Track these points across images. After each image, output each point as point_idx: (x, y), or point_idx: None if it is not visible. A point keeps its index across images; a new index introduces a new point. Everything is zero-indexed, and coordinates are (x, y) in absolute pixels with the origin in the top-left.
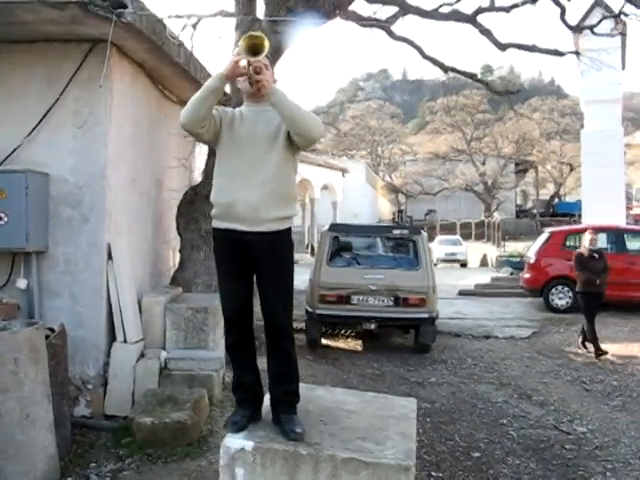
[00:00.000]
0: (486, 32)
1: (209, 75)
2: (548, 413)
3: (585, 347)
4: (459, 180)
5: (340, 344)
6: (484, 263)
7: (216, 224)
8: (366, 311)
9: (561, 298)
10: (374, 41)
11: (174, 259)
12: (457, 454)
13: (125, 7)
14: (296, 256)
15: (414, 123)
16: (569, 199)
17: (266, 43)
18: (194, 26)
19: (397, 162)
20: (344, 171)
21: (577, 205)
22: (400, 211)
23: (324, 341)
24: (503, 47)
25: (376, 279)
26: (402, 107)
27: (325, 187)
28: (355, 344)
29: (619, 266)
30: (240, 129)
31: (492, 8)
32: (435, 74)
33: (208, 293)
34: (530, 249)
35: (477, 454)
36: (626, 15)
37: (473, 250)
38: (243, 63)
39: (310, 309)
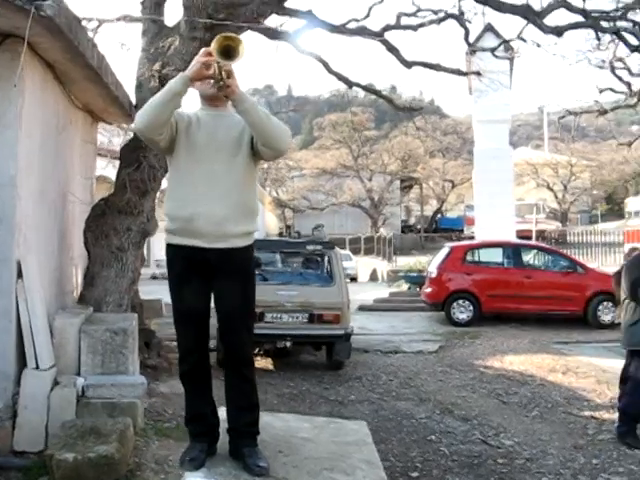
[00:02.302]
0: (393, 50)
1: (118, 81)
2: (473, 427)
3: None
4: (346, 196)
5: None
6: (374, 277)
7: (172, 240)
8: (280, 329)
9: (462, 312)
10: (261, 56)
11: (77, 277)
12: (396, 475)
13: None
14: None
15: (299, 139)
16: (450, 215)
17: (242, 47)
18: (94, 30)
19: (284, 177)
20: None
21: (458, 220)
22: (288, 226)
23: None
24: (409, 65)
25: (290, 296)
26: (287, 123)
27: None
28: (266, 362)
29: (516, 280)
30: (198, 135)
31: (400, 26)
32: (319, 91)
33: (120, 313)
34: (431, 264)
35: (415, 474)
36: (524, 40)
37: (362, 265)
38: (209, 64)
39: None
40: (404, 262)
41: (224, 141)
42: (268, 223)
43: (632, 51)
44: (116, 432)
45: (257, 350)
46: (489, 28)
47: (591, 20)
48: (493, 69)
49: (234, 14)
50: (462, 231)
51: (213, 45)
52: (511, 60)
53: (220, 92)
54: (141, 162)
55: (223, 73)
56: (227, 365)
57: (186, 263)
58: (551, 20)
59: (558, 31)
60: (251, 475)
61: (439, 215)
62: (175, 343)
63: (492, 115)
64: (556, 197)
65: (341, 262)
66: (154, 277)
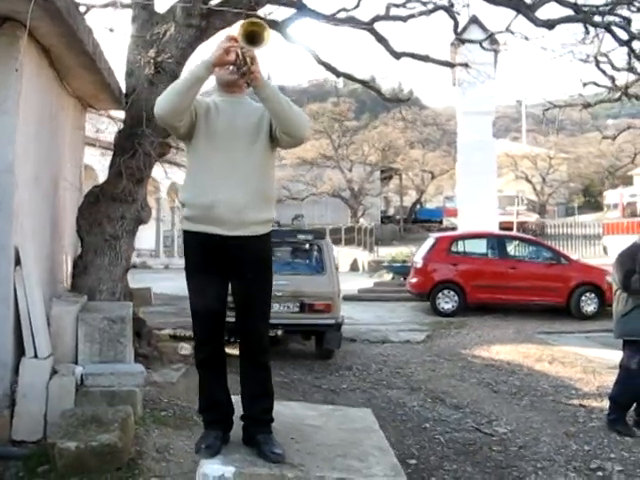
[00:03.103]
0: (382, 40)
1: (110, 68)
2: (466, 415)
3: None
4: (327, 186)
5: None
6: (354, 268)
7: (190, 227)
8: (272, 318)
9: (447, 302)
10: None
11: (67, 265)
12: None
13: None
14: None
15: None
16: (429, 206)
17: (267, 33)
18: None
19: None
20: None
21: (437, 212)
22: None
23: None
24: (398, 56)
25: (281, 285)
26: None
27: None
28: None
29: (501, 270)
30: (217, 122)
31: (389, 17)
32: (297, 81)
33: (113, 301)
34: (416, 254)
35: (413, 461)
36: (512, 33)
37: (343, 255)
38: (233, 49)
39: None
40: (385, 252)
41: (243, 128)
42: None
43: (621, 45)
44: (118, 420)
45: None
46: (474, 20)
47: (582, 14)
48: (478, 61)
49: (230, 1)
50: (441, 222)
51: (238, 30)
52: (496, 52)
53: (243, 78)
54: (136, 149)
55: (248, 59)
56: (243, 353)
57: (204, 251)
58: (541, 13)
59: (550, 24)
60: (267, 462)
61: (418, 206)
62: (164, 332)
63: (477, 107)
64: (535, 189)
65: (332, 252)
66: (134, 266)
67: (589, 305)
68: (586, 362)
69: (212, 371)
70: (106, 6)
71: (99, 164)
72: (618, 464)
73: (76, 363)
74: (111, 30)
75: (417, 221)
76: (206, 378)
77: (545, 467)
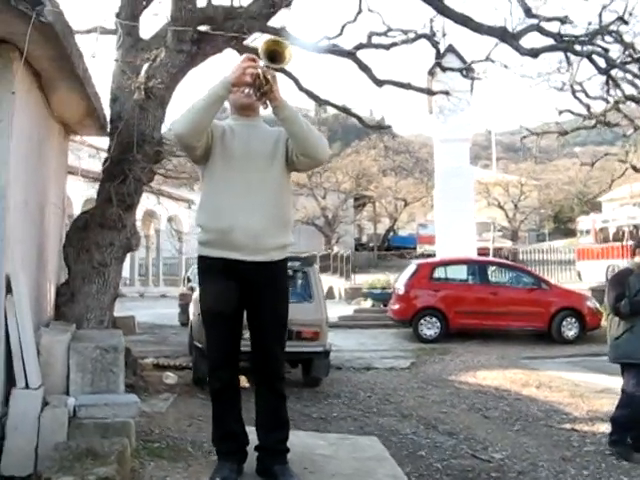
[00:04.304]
0: (366, 69)
1: (97, 93)
2: (460, 442)
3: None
4: (300, 213)
5: None
6: (330, 295)
7: (207, 252)
8: None
9: (429, 328)
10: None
11: (51, 292)
12: None
13: (40, 4)
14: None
15: None
16: (402, 233)
17: (288, 53)
18: None
19: None
20: (190, 202)
21: (410, 239)
22: None
23: None
24: (380, 83)
25: None
26: None
27: (170, 219)
28: (241, 380)
29: (483, 296)
30: (232, 145)
31: (372, 45)
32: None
33: (101, 330)
34: (398, 281)
35: None
36: (492, 61)
37: None
38: (251, 70)
39: (200, 345)
40: (362, 280)
41: (259, 151)
42: None
43: (602, 73)
44: (114, 453)
45: None
46: (450, 49)
47: (565, 43)
48: (457, 88)
49: (220, 28)
50: (415, 249)
51: (260, 48)
52: (473, 80)
53: (263, 98)
54: (127, 175)
55: (270, 78)
56: (258, 381)
57: (221, 276)
58: (524, 42)
59: (534, 53)
60: None
61: (391, 233)
62: (146, 361)
63: (454, 134)
64: (507, 216)
65: (320, 279)
66: None
67: (570, 330)
68: (573, 386)
69: (227, 401)
70: (89, 32)
71: (74, 192)
72: None
73: (67, 394)
74: (93, 56)
75: (390, 248)
76: (220, 409)
77: None
